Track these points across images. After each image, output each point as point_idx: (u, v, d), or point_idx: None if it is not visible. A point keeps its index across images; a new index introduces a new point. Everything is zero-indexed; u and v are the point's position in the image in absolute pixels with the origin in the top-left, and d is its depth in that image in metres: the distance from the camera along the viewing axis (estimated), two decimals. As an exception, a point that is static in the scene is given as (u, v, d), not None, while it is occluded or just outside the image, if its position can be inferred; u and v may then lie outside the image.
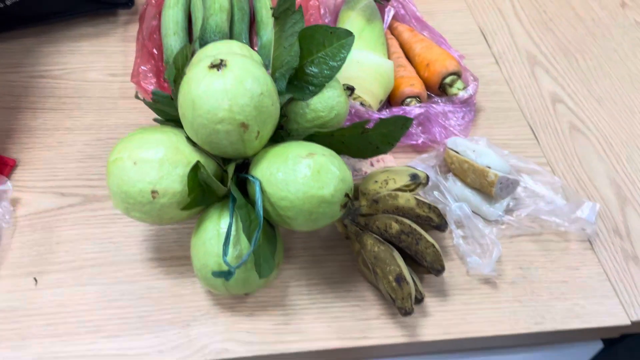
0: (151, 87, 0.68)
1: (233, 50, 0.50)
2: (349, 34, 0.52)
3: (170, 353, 0.48)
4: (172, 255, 0.55)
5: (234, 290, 0.48)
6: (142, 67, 0.69)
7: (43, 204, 0.57)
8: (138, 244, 0.55)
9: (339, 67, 0.52)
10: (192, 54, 0.52)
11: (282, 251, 0.50)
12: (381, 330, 0.51)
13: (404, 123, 0.51)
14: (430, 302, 0.53)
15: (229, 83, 0.43)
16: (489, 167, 0.57)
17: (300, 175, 0.44)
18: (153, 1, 0.76)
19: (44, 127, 0.64)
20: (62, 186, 0.59)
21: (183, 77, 0.46)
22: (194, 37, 0.72)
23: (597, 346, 0.59)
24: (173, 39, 0.70)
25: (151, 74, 0.68)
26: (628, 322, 0.53)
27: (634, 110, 0.74)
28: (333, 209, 0.45)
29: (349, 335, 0.50)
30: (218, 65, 0.43)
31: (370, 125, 0.50)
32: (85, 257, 0.54)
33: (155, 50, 0.71)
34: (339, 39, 0.52)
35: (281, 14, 0.52)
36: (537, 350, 0.58)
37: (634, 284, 0.56)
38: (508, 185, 0.58)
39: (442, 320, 0.52)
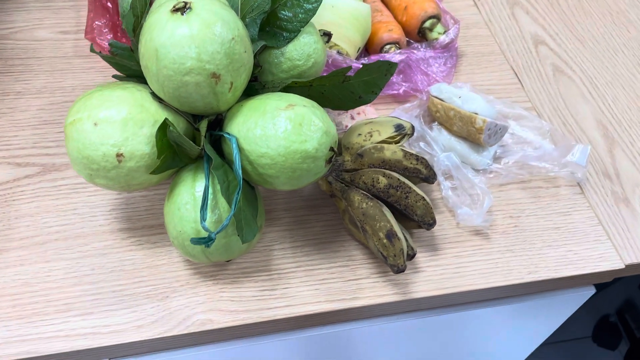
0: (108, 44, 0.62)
1: None
2: (323, -27, 0.48)
3: (150, 328, 0.45)
4: (144, 224, 0.51)
5: (215, 258, 0.44)
6: (97, 22, 0.63)
7: (-3, 176, 0.52)
8: (106, 214, 0.51)
9: (314, 10, 0.48)
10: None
11: (263, 213, 0.46)
12: (372, 289, 0.48)
13: (387, 69, 0.47)
14: (421, 257, 0.51)
15: (196, 28, 0.38)
16: (476, 113, 0.55)
17: (280, 130, 0.40)
18: (103, -51, 0.69)
19: (-8, 92, 0.59)
20: (17, 155, 0.54)
21: (143, 25, 0.41)
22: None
23: (590, 291, 0.58)
24: (129, -10, 0.63)
25: (107, 29, 0.63)
26: (622, 266, 0.52)
27: (616, 49, 0.72)
28: (317, 164, 0.42)
29: (339, 297, 0.48)
30: (182, 9, 0.38)
31: (351, 73, 0.47)
32: (48, 230, 0.49)
33: (109, 4, 0.65)
34: (313, -21, 0.48)
35: (247, -48, 0.47)
36: (530, 298, 0.56)
37: (626, 227, 0.55)
38: (496, 132, 0.55)
39: (434, 275, 0.50)
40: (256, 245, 0.50)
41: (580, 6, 0.77)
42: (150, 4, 0.43)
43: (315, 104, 0.43)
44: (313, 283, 0.48)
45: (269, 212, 0.52)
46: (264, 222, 0.47)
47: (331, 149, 0.42)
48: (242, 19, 0.48)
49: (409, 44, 0.67)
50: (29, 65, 0.61)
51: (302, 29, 0.48)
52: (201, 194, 0.42)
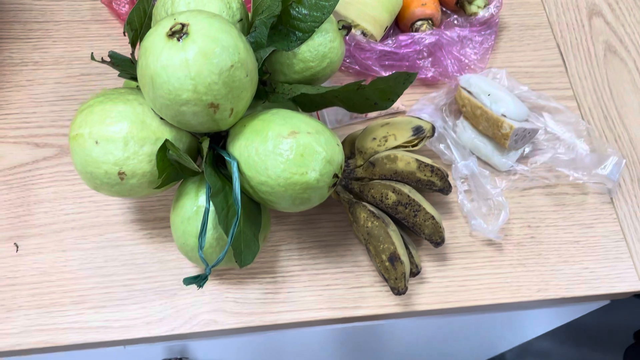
0: (124, 10, 0.60)
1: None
2: (342, -33, 0.43)
3: (158, 325, 0.47)
4: (156, 216, 0.51)
5: (219, 266, 0.45)
6: (113, -16, 0.60)
7: (17, 157, 0.53)
8: (119, 202, 0.52)
9: (331, 8, 0.44)
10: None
11: (268, 221, 0.46)
12: (374, 299, 0.49)
13: (405, 78, 0.43)
14: (429, 266, 0.50)
15: (192, 58, 0.36)
16: (504, 116, 0.51)
17: (281, 159, 0.39)
18: None
19: (11, 62, 0.58)
20: (35, 135, 0.54)
21: (142, 38, 0.39)
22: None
23: (604, 302, 0.57)
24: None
25: (124, -8, 0.60)
26: (639, 288, 0.50)
27: (684, 24, 0.64)
28: (319, 192, 0.40)
29: (341, 304, 0.48)
30: (179, 32, 0.36)
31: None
32: (65, 218, 0.51)
33: (127, -41, 0.61)
34: (331, -27, 0.43)
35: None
36: (538, 308, 0.56)
37: (651, 244, 0.52)
38: (524, 136, 0.52)
39: (439, 287, 0.49)
40: (263, 245, 0.51)
41: (652, -34, 0.67)
42: (150, 17, 0.41)
43: (320, 128, 0.41)
44: (316, 288, 0.49)
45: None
46: (269, 231, 0.47)
47: (335, 175, 0.41)
48: (253, 16, 0.44)
49: (444, 14, 0.61)
50: (47, 30, 0.60)
51: (316, 29, 0.44)
52: (204, 204, 0.42)
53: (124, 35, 0.42)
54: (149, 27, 0.42)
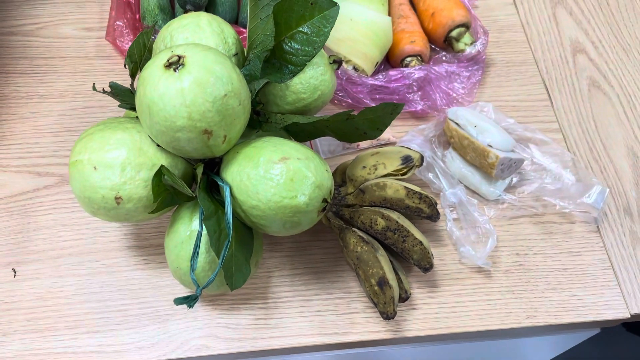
0: (127, 46, 0.62)
1: (198, 34, 0.44)
2: (332, 4, 0.46)
3: (150, 350, 0.48)
4: (151, 242, 0.53)
5: (211, 292, 0.46)
6: (118, 22, 0.63)
7: (18, 185, 0.55)
8: (116, 229, 0.53)
9: (321, 43, 0.46)
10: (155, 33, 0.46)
11: (261, 247, 0.47)
12: (365, 325, 0.49)
13: (393, 109, 0.45)
14: (419, 293, 0.51)
15: (187, 88, 0.38)
16: (490, 146, 0.52)
17: (271, 184, 0.40)
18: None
19: (17, 95, 0.60)
20: (37, 164, 0.56)
21: (141, 69, 0.41)
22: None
23: (594, 331, 0.57)
24: (150, -12, 0.63)
25: (128, 30, 0.63)
26: (627, 315, 0.51)
27: (665, 61, 0.66)
28: (309, 217, 0.42)
29: (331, 330, 0.49)
30: (175, 64, 0.38)
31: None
32: (63, 244, 0.52)
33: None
34: (321, 11, 0.46)
35: (255, -22, 0.45)
36: (528, 336, 0.56)
37: (639, 272, 0.53)
38: (510, 166, 0.53)
39: (429, 313, 0.50)
40: (256, 271, 0.51)
41: (632, 7, 0.70)
42: (150, 50, 0.43)
43: (310, 155, 0.42)
44: (308, 314, 0.50)
45: (272, 237, 0.53)
46: (261, 256, 0.48)
47: (324, 200, 0.42)
48: (248, 51, 0.47)
49: (433, 51, 0.64)
50: (52, 65, 0.63)
51: (308, 62, 0.47)
52: (197, 232, 0.43)
53: (125, 67, 0.44)
54: (148, 59, 0.44)
